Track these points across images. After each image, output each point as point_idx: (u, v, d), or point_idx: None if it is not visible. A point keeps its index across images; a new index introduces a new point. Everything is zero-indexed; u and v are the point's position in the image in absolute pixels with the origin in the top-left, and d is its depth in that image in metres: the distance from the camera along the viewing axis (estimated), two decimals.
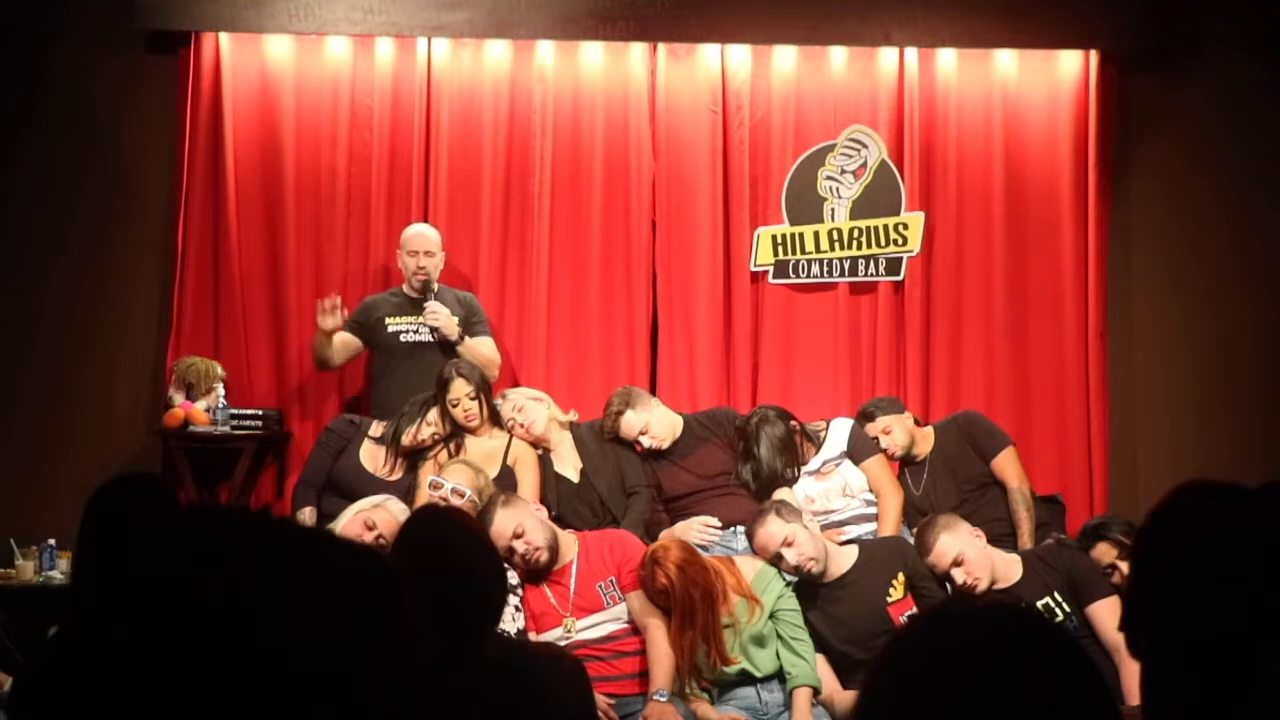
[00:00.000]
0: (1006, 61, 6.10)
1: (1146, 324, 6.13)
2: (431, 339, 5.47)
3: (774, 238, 5.99)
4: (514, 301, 5.99)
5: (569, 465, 5.12)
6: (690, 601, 4.16)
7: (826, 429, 5.19)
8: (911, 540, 4.63)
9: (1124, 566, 4.26)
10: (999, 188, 6.05)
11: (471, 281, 5.92)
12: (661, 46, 6.02)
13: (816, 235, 6.01)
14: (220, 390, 5.62)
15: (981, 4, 5.99)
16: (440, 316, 5.42)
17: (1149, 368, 6.12)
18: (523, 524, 4.28)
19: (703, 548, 4.66)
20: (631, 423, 5.09)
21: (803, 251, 5.99)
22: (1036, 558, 4.51)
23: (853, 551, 4.52)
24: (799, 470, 5.04)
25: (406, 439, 5.04)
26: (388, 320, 5.53)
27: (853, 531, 4.92)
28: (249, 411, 5.67)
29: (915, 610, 4.29)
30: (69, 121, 5.96)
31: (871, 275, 6.01)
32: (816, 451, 5.12)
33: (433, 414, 5.05)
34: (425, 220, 5.83)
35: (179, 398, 5.59)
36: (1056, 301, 6.02)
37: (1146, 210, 6.14)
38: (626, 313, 6.00)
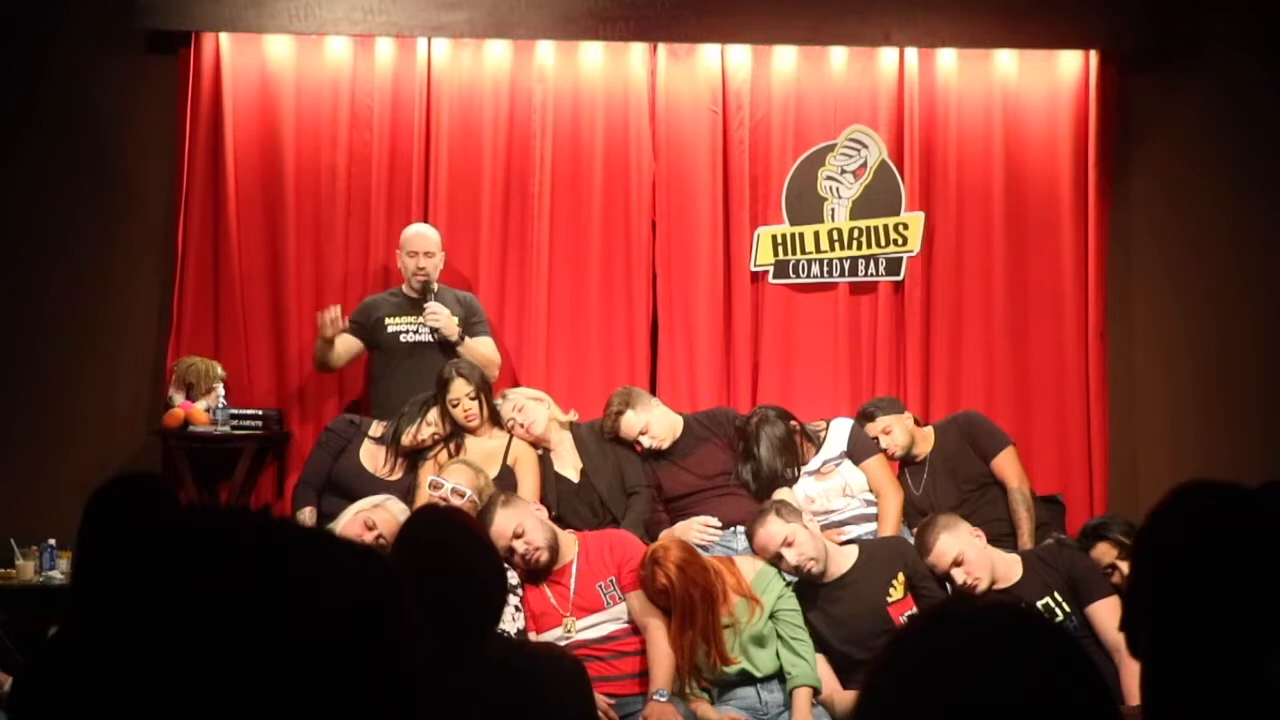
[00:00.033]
0: (1006, 61, 6.10)
1: (1146, 324, 6.13)
2: (431, 339, 5.47)
3: (774, 238, 5.99)
4: (514, 301, 5.99)
5: (569, 465, 5.12)
6: (690, 601, 4.16)
7: (826, 429, 5.19)
8: (911, 540, 4.63)
9: (1124, 566, 4.26)
10: (999, 188, 6.05)
11: (471, 281, 5.92)
12: (661, 46, 6.02)
13: (816, 235, 6.01)
14: (220, 390, 5.62)
15: (981, 4, 5.99)
16: (440, 317, 5.42)
17: (1149, 368, 6.12)
18: (523, 524, 4.28)
19: (703, 548, 4.66)
20: (631, 423, 5.09)
21: (803, 251, 6.00)
22: (1036, 558, 4.51)
23: (853, 551, 4.52)
24: (799, 470, 5.04)
25: (406, 439, 5.04)
26: (387, 320, 5.53)
27: (853, 531, 4.92)
28: (249, 411, 5.67)
29: (915, 610, 4.29)
30: (69, 121, 5.96)
31: (871, 275, 6.01)
32: (816, 451, 5.12)
33: (433, 414, 5.05)
34: (425, 220, 5.83)
35: (179, 398, 5.59)
36: (1056, 301, 6.02)
37: (1146, 210, 6.14)
38: (626, 313, 6.00)
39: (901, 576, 4.41)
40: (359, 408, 5.71)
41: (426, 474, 4.87)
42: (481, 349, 5.48)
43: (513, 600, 4.14)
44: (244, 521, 1.08)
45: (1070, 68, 6.09)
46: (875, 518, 5.00)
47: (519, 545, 4.26)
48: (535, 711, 2.54)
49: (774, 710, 4.28)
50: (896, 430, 5.20)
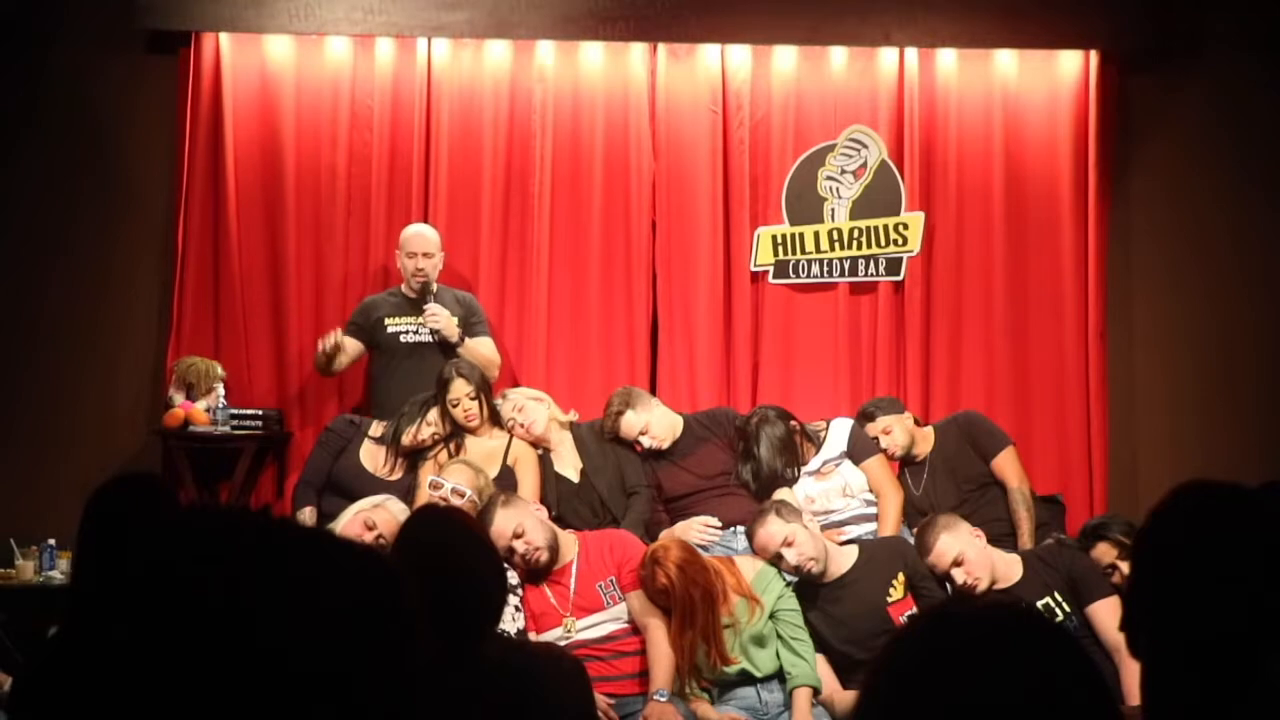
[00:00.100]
0: (1006, 61, 6.10)
1: (1146, 324, 6.13)
2: (431, 339, 5.47)
3: (774, 238, 5.99)
4: (514, 301, 5.99)
5: (569, 465, 5.12)
6: (690, 601, 4.16)
7: (826, 429, 5.19)
8: (911, 540, 4.63)
9: (1124, 566, 4.26)
10: (999, 188, 6.05)
11: (471, 282, 5.92)
12: (661, 46, 6.02)
13: (816, 235, 6.01)
14: (220, 390, 5.62)
15: (981, 4, 5.99)
16: (440, 319, 5.41)
17: (1149, 368, 6.12)
18: (523, 524, 4.28)
19: (703, 548, 4.65)
20: (631, 423, 5.09)
21: (803, 251, 6.00)
22: (1036, 558, 4.51)
23: (853, 551, 4.52)
24: (799, 470, 5.04)
25: (406, 439, 5.04)
26: (387, 321, 5.53)
27: (853, 531, 4.92)
28: (249, 411, 5.67)
29: (915, 610, 4.29)
30: (69, 121, 5.96)
31: (871, 275, 6.01)
32: (816, 451, 5.12)
33: (433, 414, 5.05)
34: (425, 220, 5.83)
35: (179, 398, 5.59)
36: (1056, 301, 6.02)
37: (1146, 210, 6.14)
38: (626, 313, 6.00)
39: (901, 576, 4.41)
40: (359, 408, 5.71)
41: (426, 474, 4.87)
42: (481, 349, 5.48)
43: (513, 600, 4.14)
44: (244, 521, 1.08)
45: (1070, 68, 6.09)
46: (875, 518, 5.00)
47: (519, 545, 4.26)
48: (535, 711, 2.54)
49: (774, 710, 4.28)
50: (896, 430, 5.20)
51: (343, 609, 1.04)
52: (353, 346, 5.51)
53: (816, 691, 4.27)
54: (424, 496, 4.70)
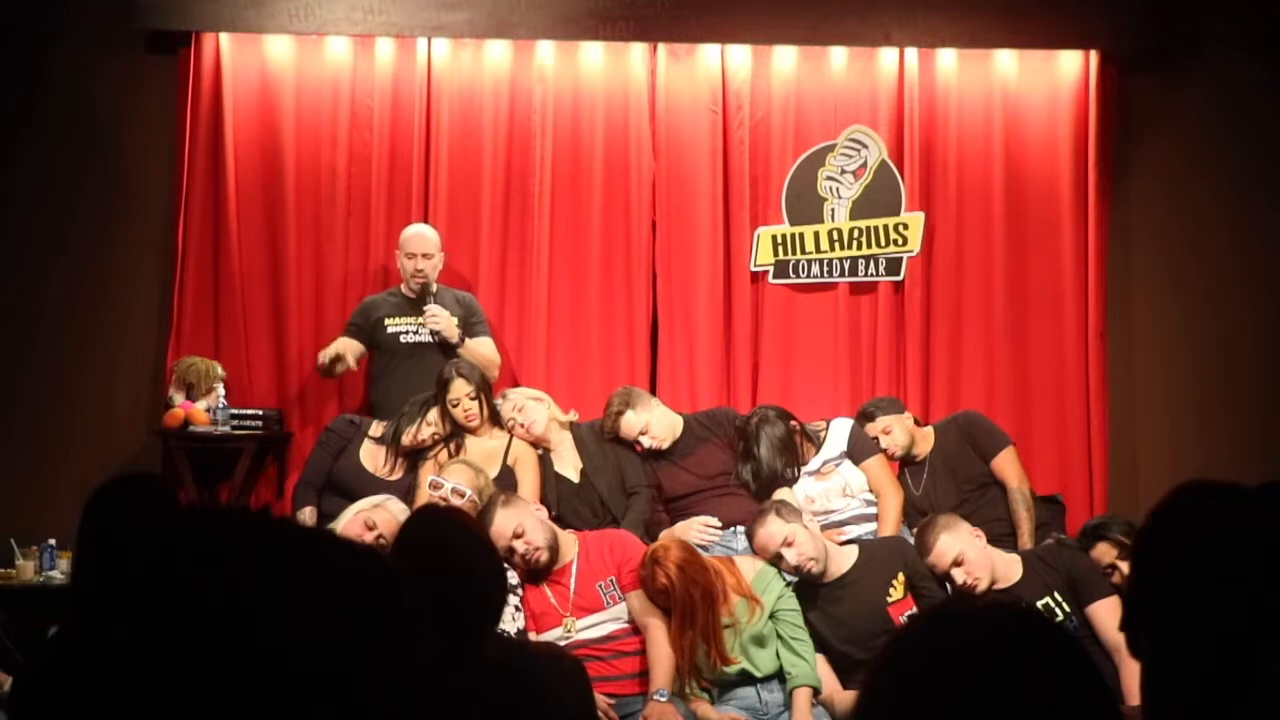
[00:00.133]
0: (1006, 61, 6.10)
1: (1146, 324, 6.13)
2: (431, 340, 5.47)
3: (774, 238, 5.99)
4: (514, 301, 5.99)
5: (569, 465, 5.12)
6: (690, 601, 4.15)
7: (826, 429, 5.19)
8: (911, 540, 4.63)
9: (1124, 566, 4.26)
10: (999, 188, 6.05)
11: (471, 282, 5.92)
12: (661, 46, 6.02)
13: (816, 235, 6.01)
14: (220, 390, 5.62)
15: (981, 4, 5.99)
16: (440, 320, 5.41)
17: (1149, 368, 6.12)
18: (523, 524, 4.28)
19: (703, 548, 4.65)
20: (631, 423, 5.09)
21: (803, 251, 6.00)
22: (1036, 558, 4.51)
23: (853, 551, 4.52)
24: (799, 470, 5.04)
25: (406, 439, 5.04)
26: (387, 321, 5.53)
27: (853, 531, 4.92)
28: (249, 411, 5.67)
29: (915, 610, 4.29)
30: (69, 121, 5.96)
31: (871, 275, 6.01)
32: (816, 451, 5.12)
33: (433, 414, 5.05)
34: (425, 220, 5.83)
35: (179, 398, 5.59)
36: (1056, 301, 6.03)
37: (1146, 210, 6.14)
38: (626, 313, 6.00)
39: (901, 576, 4.41)
40: (360, 408, 5.71)
41: (426, 474, 4.87)
42: (481, 349, 5.48)
43: (513, 600, 4.14)
44: (244, 521, 1.08)
45: (1070, 68, 6.09)
46: (875, 518, 5.00)
47: (519, 545, 4.26)
48: (535, 711, 2.54)
49: (774, 710, 4.28)
50: (896, 430, 5.20)
51: (343, 609, 1.04)
52: (353, 348, 5.51)
53: (816, 691, 4.27)
54: (424, 496, 4.70)
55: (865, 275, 6.01)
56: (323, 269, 5.95)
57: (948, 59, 6.07)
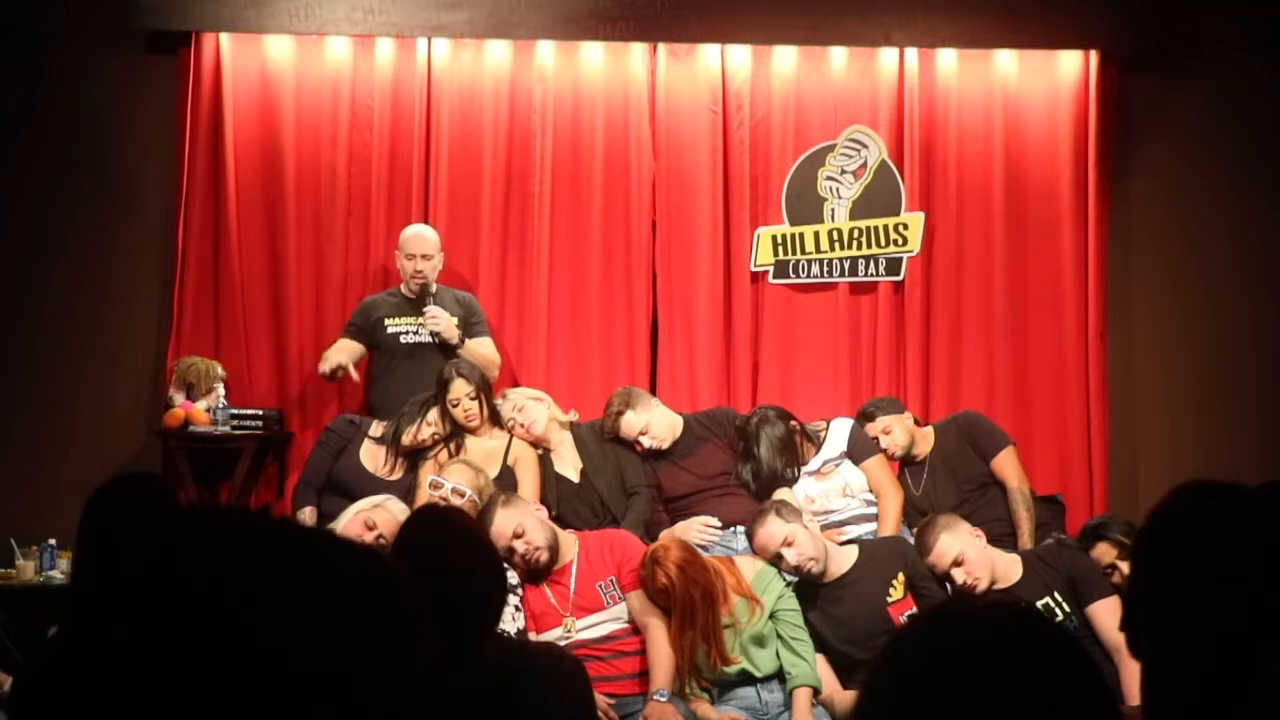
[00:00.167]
0: (1006, 61, 6.10)
1: (1146, 324, 6.13)
2: (432, 340, 5.47)
3: (774, 238, 5.99)
4: (514, 301, 5.99)
5: (569, 465, 5.12)
6: (690, 601, 4.15)
7: (826, 429, 5.19)
8: (911, 540, 4.63)
9: (1124, 566, 4.26)
10: (999, 188, 6.05)
11: (471, 282, 5.92)
12: (661, 46, 6.02)
13: (816, 235, 6.01)
14: (220, 390, 5.62)
15: (981, 4, 5.99)
16: (440, 321, 5.41)
17: (1149, 368, 6.12)
18: (523, 524, 4.28)
19: (703, 548, 4.65)
20: (631, 423, 5.09)
21: (803, 251, 6.00)
22: (1036, 558, 4.50)
23: (853, 551, 4.52)
24: (799, 470, 5.04)
25: (407, 439, 5.04)
26: (387, 321, 5.53)
27: (853, 531, 4.92)
28: (249, 411, 5.67)
29: (915, 610, 4.29)
30: (69, 121, 5.96)
31: (871, 275, 6.01)
32: (816, 451, 5.12)
33: (433, 414, 5.05)
34: (425, 220, 5.83)
35: (179, 398, 5.59)
36: (1056, 301, 6.03)
37: (1146, 210, 6.14)
38: (626, 313, 6.00)
39: (901, 576, 4.41)
40: (360, 408, 5.71)
41: (426, 474, 4.87)
42: (482, 350, 5.48)
43: (513, 600, 4.14)
44: (244, 521, 1.08)
45: (1070, 68, 6.09)
46: (875, 518, 5.00)
47: (519, 545, 4.26)
48: (535, 711, 2.54)
49: (774, 710, 4.28)
50: (896, 430, 5.20)
51: (343, 609, 1.04)
52: (352, 351, 5.51)
53: (816, 691, 4.27)
54: (424, 496, 4.70)
55: (865, 275, 6.01)
56: (323, 269, 5.95)
57: (948, 59, 6.07)
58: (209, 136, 5.89)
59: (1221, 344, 6.08)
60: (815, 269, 6.01)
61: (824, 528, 4.72)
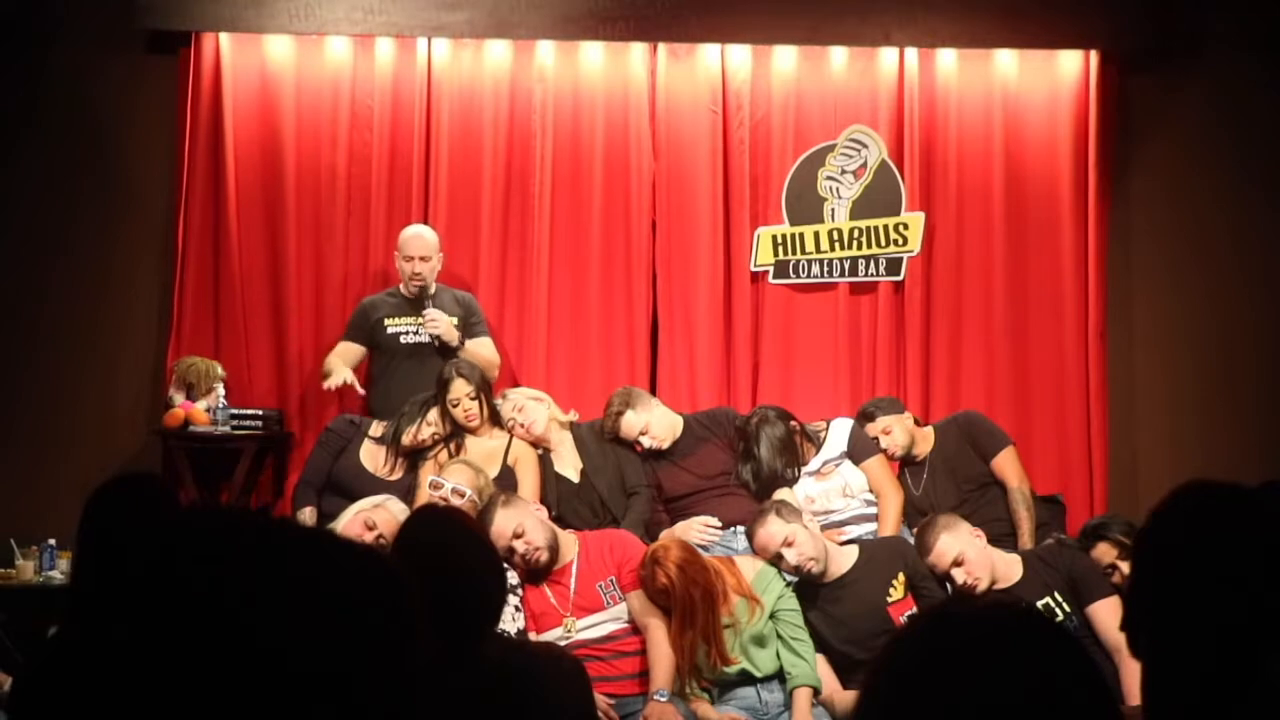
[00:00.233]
0: (1006, 61, 6.10)
1: (1146, 324, 6.13)
2: (431, 341, 5.46)
3: (774, 238, 5.99)
4: (514, 301, 5.99)
5: (569, 465, 5.12)
6: (690, 601, 4.15)
7: (826, 429, 5.19)
8: (911, 540, 4.63)
9: (1124, 566, 4.26)
10: (999, 188, 6.05)
11: (471, 282, 5.92)
12: (661, 46, 6.02)
13: (816, 235, 6.01)
14: (220, 390, 5.62)
15: (981, 4, 5.99)
16: (440, 324, 5.41)
17: (1149, 368, 6.12)
18: (523, 524, 4.28)
19: (703, 548, 4.65)
20: (632, 423, 5.09)
21: (803, 251, 6.00)
22: (1037, 558, 4.50)
23: (853, 551, 4.52)
24: (799, 470, 5.04)
25: (407, 439, 5.04)
26: (387, 321, 5.53)
27: (853, 531, 4.92)
28: (249, 411, 5.67)
29: (915, 610, 4.29)
30: (69, 121, 5.96)
31: (871, 275, 6.01)
32: (816, 452, 5.12)
33: (433, 414, 5.05)
34: (425, 220, 5.83)
35: (179, 398, 5.59)
36: (1056, 301, 6.02)
37: (1146, 210, 6.14)
38: (626, 313, 6.00)
39: (901, 576, 4.41)
40: (360, 408, 5.71)
41: (426, 474, 4.87)
42: (482, 350, 5.48)
43: (513, 600, 4.14)
44: (244, 521, 1.08)
45: (1070, 68, 6.09)
46: (875, 518, 5.00)
47: (519, 545, 4.26)
48: (535, 711, 2.54)
49: (774, 710, 4.28)
50: (896, 430, 5.20)
51: (343, 609, 1.04)
52: (352, 357, 5.51)
53: (816, 691, 4.27)
54: (424, 496, 4.70)
55: (865, 275, 6.01)
56: (323, 269, 5.95)
57: (948, 59, 6.07)
58: (209, 136, 5.89)
59: (1221, 344, 6.08)
60: (815, 269, 6.01)
61: (824, 528, 4.72)
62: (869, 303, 6.03)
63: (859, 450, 5.08)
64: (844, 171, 6.02)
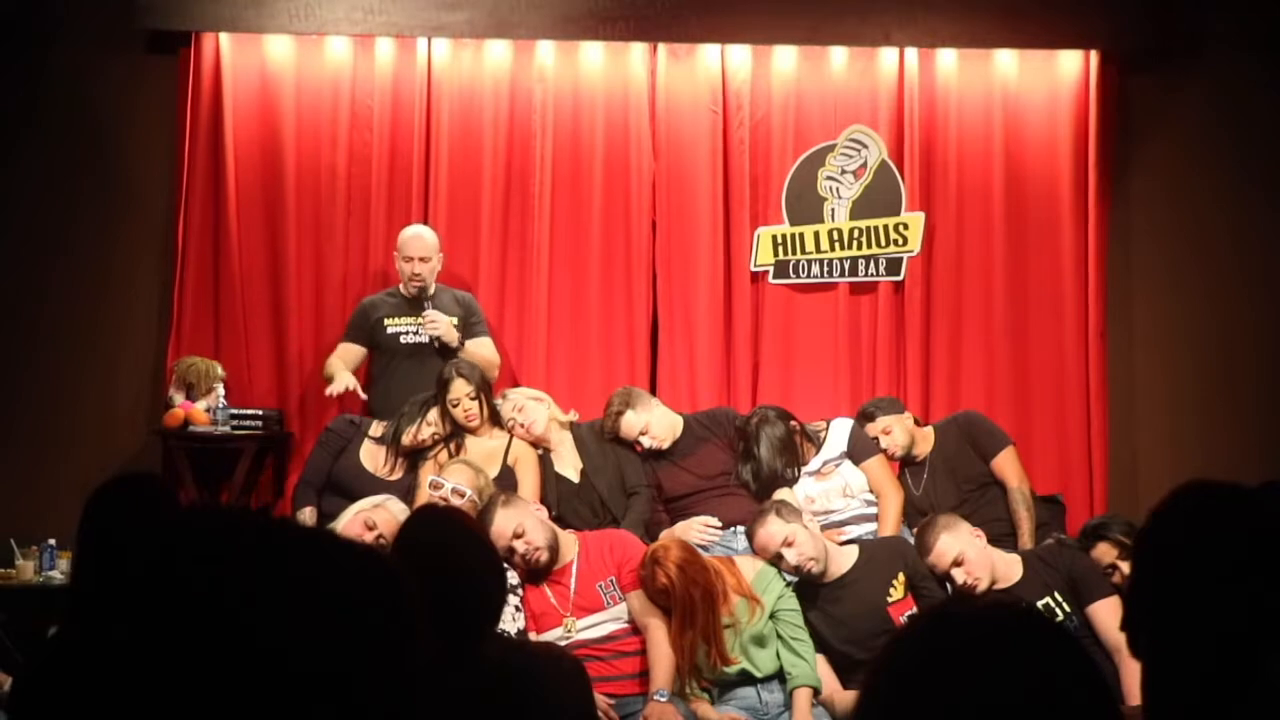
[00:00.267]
0: (1006, 61, 6.10)
1: (1146, 324, 6.13)
2: (431, 341, 5.46)
3: (774, 238, 5.99)
4: (514, 301, 5.99)
5: (569, 465, 5.12)
6: (690, 601, 4.15)
7: (826, 429, 5.19)
8: (911, 540, 4.63)
9: (1124, 566, 4.26)
10: (999, 188, 6.05)
11: (471, 282, 5.92)
12: (661, 46, 6.02)
13: (816, 235, 6.01)
14: (220, 390, 5.62)
15: (981, 4, 5.99)
16: (440, 326, 5.41)
17: (1149, 368, 6.12)
18: (523, 524, 4.28)
19: (703, 548, 4.65)
20: (631, 423, 5.09)
21: (803, 251, 6.00)
22: (1037, 558, 4.50)
23: (853, 551, 4.52)
24: (799, 470, 5.04)
25: (407, 439, 5.04)
26: (387, 321, 5.53)
27: (853, 531, 4.92)
28: (249, 411, 5.67)
29: (915, 610, 4.29)
30: (69, 121, 5.96)
31: (871, 275, 6.01)
32: (816, 452, 5.12)
33: (433, 414, 5.05)
34: (425, 221, 5.83)
35: (179, 398, 5.59)
36: (1056, 301, 6.03)
37: (1146, 210, 6.14)
38: (626, 313, 6.00)
39: (902, 576, 4.41)
40: (360, 408, 5.70)
41: (426, 474, 4.87)
42: (482, 351, 5.48)
43: (513, 600, 4.14)
44: (244, 521, 1.08)
45: (1070, 68, 6.09)
46: (875, 518, 5.00)
47: (519, 545, 4.26)
48: (535, 711, 2.54)
49: (774, 710, 4.28)
50: (896, 430, 5.20)
51: (343, 609, 1.04)
52: (352, 359, 5.51)
53: (816, 691, 4.27)
54: (424, 496, 4.70)
55: (865, 275, 6.01)
56: (323, 269, 5.96)
57: (948, 59, 6.07)
58: (209, 136, 5.89)
59: (1221, 344, 6.08)
60: (815, 269, 6.01)
61: (824, 528, 4.72)
62: (869, 303, 6.03)
63: (859, 450, 5.09)
64: (844, 171, 6.02)
